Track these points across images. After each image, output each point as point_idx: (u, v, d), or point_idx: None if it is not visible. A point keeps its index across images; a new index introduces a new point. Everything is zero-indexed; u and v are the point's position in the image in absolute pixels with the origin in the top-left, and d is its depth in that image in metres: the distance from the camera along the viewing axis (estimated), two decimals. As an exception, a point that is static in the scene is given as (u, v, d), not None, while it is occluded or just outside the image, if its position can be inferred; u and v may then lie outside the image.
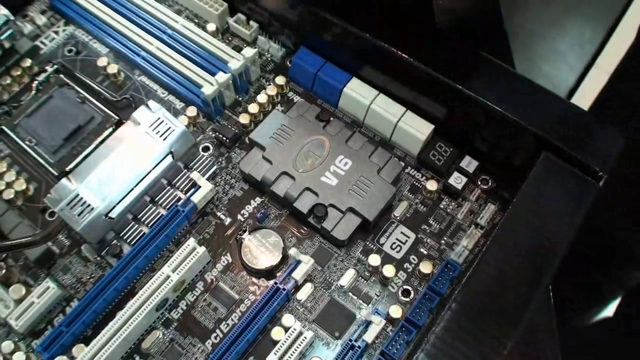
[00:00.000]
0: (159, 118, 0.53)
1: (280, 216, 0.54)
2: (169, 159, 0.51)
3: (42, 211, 0.53)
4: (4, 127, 0.56)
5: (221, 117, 0.57)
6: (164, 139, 0.52)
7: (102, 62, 0.58)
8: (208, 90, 0.56)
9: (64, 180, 0.50)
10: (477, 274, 0.43)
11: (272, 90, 0.58)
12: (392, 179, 0.53)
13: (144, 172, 0.50)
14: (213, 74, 0.55)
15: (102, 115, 0.56)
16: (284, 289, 0.49)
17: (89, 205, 0.49)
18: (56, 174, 0.54)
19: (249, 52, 0.58)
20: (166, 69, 0.57)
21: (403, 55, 0.52)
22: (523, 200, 0.46)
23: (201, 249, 0.50)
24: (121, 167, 0.51)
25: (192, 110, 0.56)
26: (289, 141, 0.54)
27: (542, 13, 0.65)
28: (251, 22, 0.62)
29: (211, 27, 0.62)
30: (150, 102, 0.53)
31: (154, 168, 0.51)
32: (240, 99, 0.58)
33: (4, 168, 0.56)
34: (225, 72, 0.56)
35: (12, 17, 0.59)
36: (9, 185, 0.55)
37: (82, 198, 0.48)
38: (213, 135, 0.56)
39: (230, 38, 0.63)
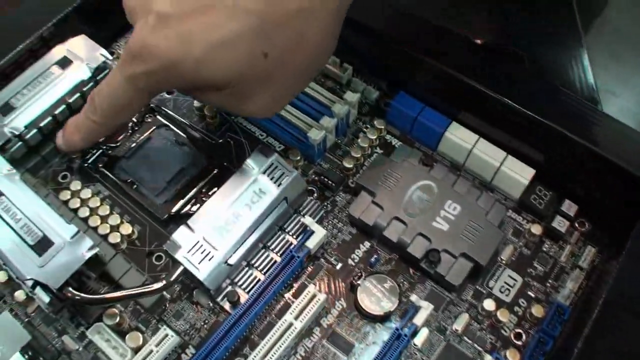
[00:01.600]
0: (272, 163, 0.56)
1: (391, 260, 0.57)
2: (284, 204, 0.54)
3: (148, 255, 0.54)
4: (103, 169, 0.57)
5: (322, 159, 0.60)
6: (279, 185, 0.55)
7: (198, 102, 0.61)
8: (315, 135, 0.59)
9: (183, 227, 0.53)
10: (597, 326, 0.47)
11: (372, 133, 0.62)
12: (497, 223, 0.57)
13: (260, 218, 0.53)
14: (314, 118, 0.57)
15: (204, 157, 0.58)
16: (405, 335, 0.52)
17: (209, 252, 0.52)
18: (161, 217, 0.55)
19: (351, 96, 0.61)
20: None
21: (503, 99, 0.56)
22: (635, 249, 0.51)
23: (322, 296, 0.54)
24: (238, 214, 0.53)
25: (295, 154, 0.59)
26: (397, 186, 0.58)
27: (611, 70, 0.69)
28: (345, 65, 0.65)
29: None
30: (263, 147, 0.56)
31: (269, 214, 0.53)
32: (339, 141, 0.61)
33: (106, 211, 0.58)
34: (329, 117, 0.59)
35: (109, 58, 0.62)
36: (113, 228, 0.57)
37: (202, 245, 0.51)
38: (317, 178, 0.59)
39: (323, 79, 0.66)
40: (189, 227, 0.50)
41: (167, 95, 0.62)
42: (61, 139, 0.52)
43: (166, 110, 0.60)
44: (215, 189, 0.53)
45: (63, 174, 0.58)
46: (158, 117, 0.60)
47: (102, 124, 0.47)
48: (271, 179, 0.54)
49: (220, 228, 0.50)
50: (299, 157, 0.57)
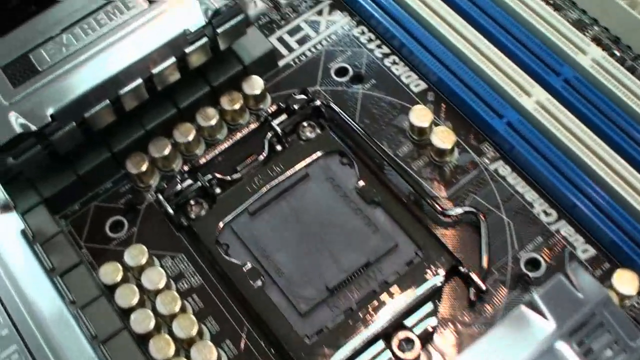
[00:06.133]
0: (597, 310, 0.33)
1: None
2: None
3: None
4: (195, 228, 0.40)
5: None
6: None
7: (418, 116, 0.41)
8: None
9: None
10: None
11: None
12: None
13: None
14: None
15: (419, 243, 0.39)
16: None
17: None
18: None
19: None
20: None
21: None
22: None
23: None
24: None
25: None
26: None
27: None
28: None
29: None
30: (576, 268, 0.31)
31: None
32: None
33: (191, 327, 0.37)
34: None
35: (250, -7, 0.41)
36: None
37: None
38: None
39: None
40: None
41: (357, 86, 0.45)
42: None
43: (345, 117, 0.42)
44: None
45: (114, 219, 0.42)
46: (329, 131, 0.43)
47: None
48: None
49: None
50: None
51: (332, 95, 0.43)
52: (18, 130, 0.37)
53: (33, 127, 0.37)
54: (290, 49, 0.45)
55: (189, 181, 0.40)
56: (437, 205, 0.39)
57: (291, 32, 0.46)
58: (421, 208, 0.39)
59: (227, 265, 0.38)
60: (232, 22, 0.40)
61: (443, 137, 0.40)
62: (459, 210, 0.39)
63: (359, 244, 0.38)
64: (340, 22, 0.46)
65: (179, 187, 0.40)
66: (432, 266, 0.37)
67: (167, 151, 0.41)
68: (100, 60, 0.39)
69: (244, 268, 0.38)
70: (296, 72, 0.44)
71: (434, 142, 0.40)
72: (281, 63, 0.45)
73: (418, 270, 0.37)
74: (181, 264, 0.39)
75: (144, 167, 0.40)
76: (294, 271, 0.38)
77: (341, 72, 0.44)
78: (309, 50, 0.45)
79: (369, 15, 0.45)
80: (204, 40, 0.40)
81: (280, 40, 0.46)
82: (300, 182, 0.40)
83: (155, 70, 0.39)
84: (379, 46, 0.45)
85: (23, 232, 0.36)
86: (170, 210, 0.39)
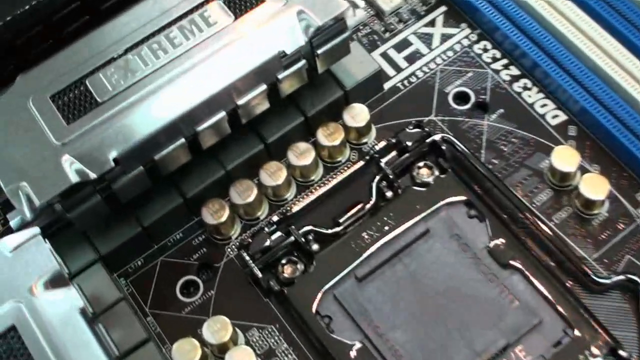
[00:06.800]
0: None
1: None
2: None
3: None
4: (288, 295, 0.35)
5: None
6: None
7: (562, 158, 0.35)
8: None
9: None
10: None
11: None
12: None
13: None
14: None
15: (568, 319, 0.33)
16: None
17: None
18: None
19: None
20: None
21: None
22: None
23: None
24: None
25: None
26: None
27: None
28: None
29: None
30: None
31: None
32: None
33: None
34: None
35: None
36: None
37: None
38: None
39: None
40: None
41: (481, 116, 0.39)
42: None
43: (471, 157, 0.36)
44: None
45: (186, 279, 0.36)
46: (451, 173, 0.37)
47: None
48: None
49: None
50: None
51: (450, 127, 0.37)
52: (73, 179, 0.31)
53: (92, 175, 0.31)
54: (397, 69, 0.39)
55: (279, 234, 0.34)
56: (587, 270, 0.32)
57: (398, 47, 0.39)
58: (567, 273, 0.33)
59: (331, 344, 0.32)
60: (336, 40, 0.34)
61: (595, 186, 0.33)
62: (617, 278, 0.32)
63: (495, 320, 0.32)
64: (457, 36, 0.40)
65: (267, 242, 0.33)
66: (585, 348, 0.31)
67: (251, 197, 0.34)
68: (174, 89, 0.33)
69: (352, 349, 0.31)
70: (406, 98, 0.38)
71: (582, 192, 0.33)
72: (387, 86, 0.38)
73: (568, 353, 0.31)
74: (271, 337, 0.33)
75: (223, 217, 0.34)
76: (414, 353, 0.32)
77: (461, 98, 0.38)
78: (420, 70, 0.39)
79: (494, 27, 0.39)
80: (302, 63, 0.33)
81: (385, 57, 0.39)
82: (419, 239, 0.34)
83: (241, 101, 0.33)
84: (506, 66, 0.39)
85: (82, 311, 0.30)
86: (257, 272, 0.33)
